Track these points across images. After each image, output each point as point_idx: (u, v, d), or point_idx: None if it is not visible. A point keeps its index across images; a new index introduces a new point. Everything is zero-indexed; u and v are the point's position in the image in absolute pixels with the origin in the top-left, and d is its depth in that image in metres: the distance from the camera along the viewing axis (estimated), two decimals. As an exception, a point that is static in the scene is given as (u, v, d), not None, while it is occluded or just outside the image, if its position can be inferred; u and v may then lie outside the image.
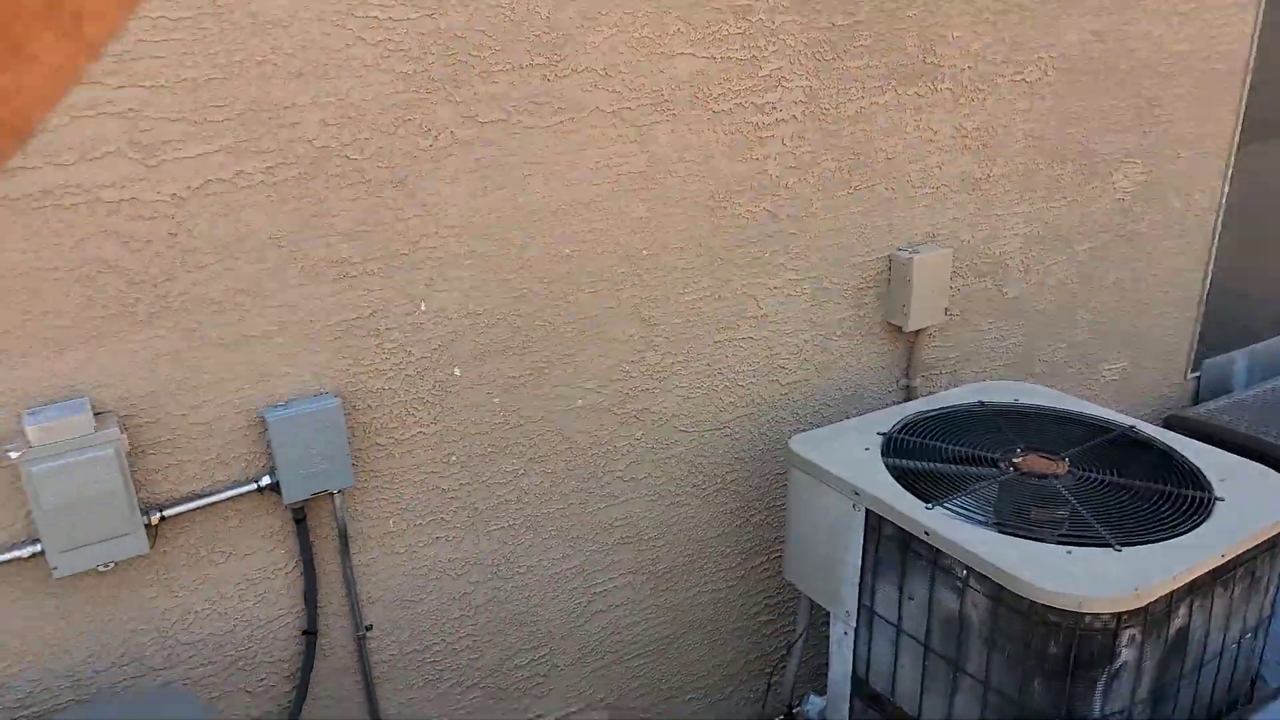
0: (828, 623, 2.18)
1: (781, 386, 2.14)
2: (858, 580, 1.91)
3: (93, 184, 1.38)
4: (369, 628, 1.87)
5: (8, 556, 1.46)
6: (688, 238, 1.90)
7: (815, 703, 2.42)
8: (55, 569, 1.48)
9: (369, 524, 1.79)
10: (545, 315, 1.81)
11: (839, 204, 2.09)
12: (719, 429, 2.11)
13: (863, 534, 1.88)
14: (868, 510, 1.84)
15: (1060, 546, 1.65)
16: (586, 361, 1.89)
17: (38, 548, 1.48)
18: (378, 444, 1.74)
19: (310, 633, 1.79)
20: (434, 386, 1.75)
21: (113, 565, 1.53)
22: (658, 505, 2.11)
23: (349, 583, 1.80)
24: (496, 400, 1.82)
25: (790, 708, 2.27)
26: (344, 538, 1.75)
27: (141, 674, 1.67)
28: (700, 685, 2.38)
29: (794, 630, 2.26)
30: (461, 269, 1.69)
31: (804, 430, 1.97)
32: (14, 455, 1.40)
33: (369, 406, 1.70)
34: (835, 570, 1.94)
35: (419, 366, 1.72)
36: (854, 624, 1.97)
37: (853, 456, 1.93)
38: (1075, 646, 1.56)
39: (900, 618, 1.86)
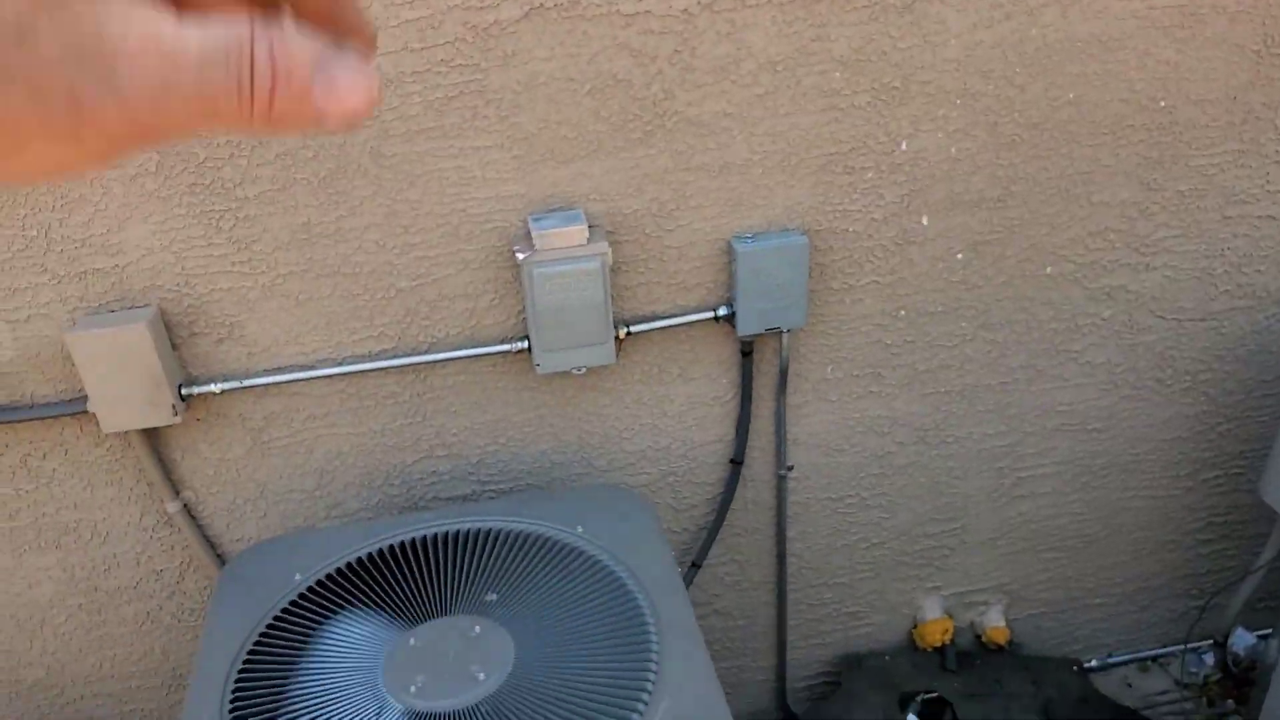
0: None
1: (1295, 279, 1.81)
2: (1362, 517, 1.63)
3: (612, -4, 1.40)
4: (790, 468, 1.88)
5: (504, 348, 1.61)
6: (1220, 89, 1.60)
7: (1244, 637, 2.15)
8: (538, 365, 1.61)
9: (807, 367, 1.77)
10: (1030, 167, 1.63)
11: None
12: (1204, 319, 1.83)
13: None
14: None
15: None
16: (1065, 224, 1.69)
17: (525, 344, 1.61)
18: (830, 288, 1.69)
19: (737, 462, 1.84)
20: (898, 234, 1.65)
21: (584, 370, 1.64)
22: (1110, 395, 1.90)
23: (779, 422, 1.81)
24: (959, 256, 1.70)
25: (1226, 637, 2.03)
26: (783, 377, 1.75)
27: (587, 472, 1.81)
28: (1112, 592, 2.19)
29: (1252, 557, 1.99)
30: (951, 107, 1.55)
31: (1318, 334, 1.66)
32: (521, 256, 1.50)
33: (830, 248, 1.65)
34: (1336, 501, 1.65)
35: (887, 211, 1.63)
36: (1341, 564, 1.69)
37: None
38: None
39: None
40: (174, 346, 1.51)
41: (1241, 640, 2.14)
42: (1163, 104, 1.60)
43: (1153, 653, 2.33)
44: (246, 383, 1.55)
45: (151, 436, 1.57)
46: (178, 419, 1.50)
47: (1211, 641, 2.16)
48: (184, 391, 1.52)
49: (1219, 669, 2.17)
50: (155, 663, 1.81)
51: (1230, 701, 2.16)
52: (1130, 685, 2.30)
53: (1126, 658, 2.32)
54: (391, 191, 1.47)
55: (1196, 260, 1.77)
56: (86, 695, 1.83)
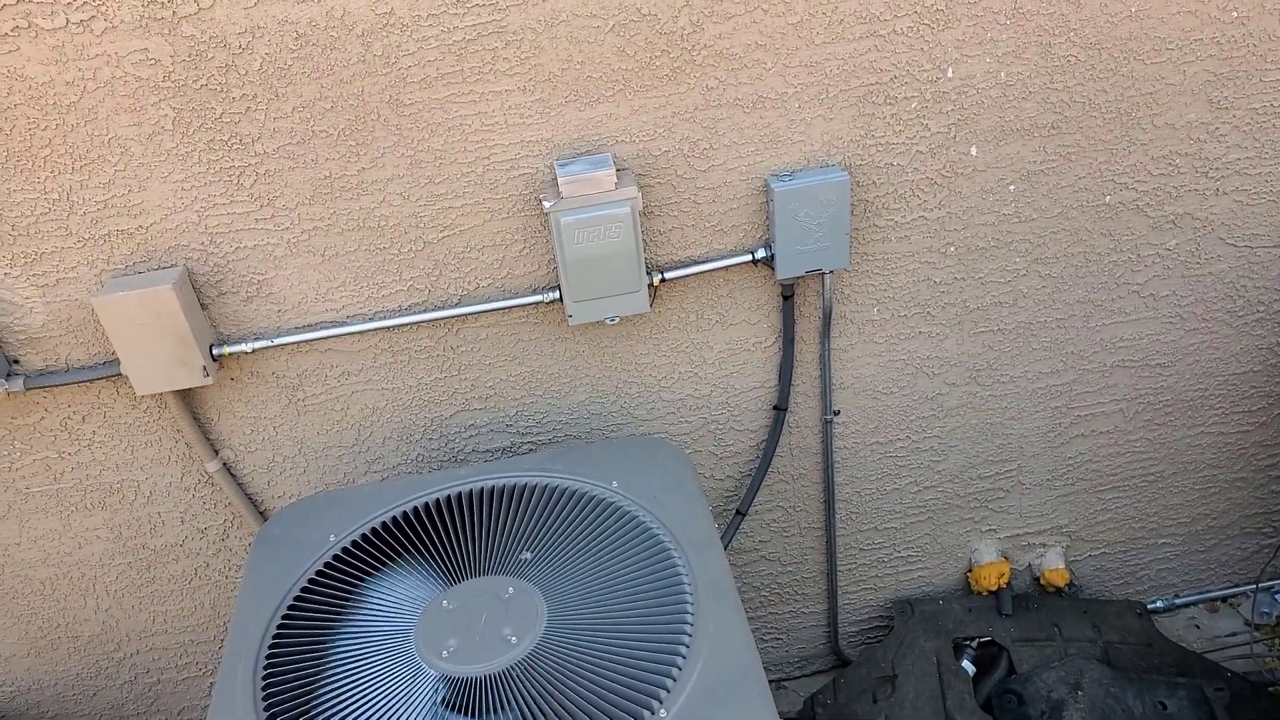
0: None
1: (1381, 199, 1.68)
2: None
3: (633, -77, 1.32)
4: (836, 413, 1.82)
5: (535, 299, 1.57)
6: (1298, -5, 1.47)
7: (1320, 578, 2.06)
8: (571, 316, 1.56)
9: (852, 309, 1.70)
10: (1087, 90, 1.52)
11: None
12: (1278, 246, 1.72)
13: None
14: None
15: None
16: (1126, 150, 1.59)
17: (556, 295, 1.57)
18: (875, 225, 1.61)
19: (780, 409, 1.79)
20: (945, 166, 1.57)
21: (618, 319, 1.59)
22: (1176, 329, 1.80)
23: (824, 366, 1.75)
24: (1011, 188, 1.60)
25: (1300, 580, 1.94)
26: (827, 320, 1.68)
27: (627, 422, 1.78)
28: (1179, 532, 2.11)
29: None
30: (1000, 29, 1.45)
31: (1406, 258, 1.54)
32: (547, 205, 1.45)
33: (873, 183, 1.57)
34: None
35: (933, 142, 1.54)
36: None
37: None
38: None
39: None
40: (203, 306, 1.50)
41: (1317, 579, 2.05)
42: (1235, 14, 1.47)
43: (1222, 592, 2.25)
44: (278, 341, 1.54)
45: (187, 397, 1.57)
46: (210, 379, 1.49)
47: (1284, 582, 2.07)
48: (215, 351, 1.51)
49: (1291, 610, 2.08)
50: (205, 617, 1.85)
51: (1303, 643, 2.08)
52: (1199, 626, 2.22)
53: (1194, 598, 2.25)
54: (413, 141, 1.42)
55: (1271, 183, 1.65)
56: (142, 650, 1.87)
